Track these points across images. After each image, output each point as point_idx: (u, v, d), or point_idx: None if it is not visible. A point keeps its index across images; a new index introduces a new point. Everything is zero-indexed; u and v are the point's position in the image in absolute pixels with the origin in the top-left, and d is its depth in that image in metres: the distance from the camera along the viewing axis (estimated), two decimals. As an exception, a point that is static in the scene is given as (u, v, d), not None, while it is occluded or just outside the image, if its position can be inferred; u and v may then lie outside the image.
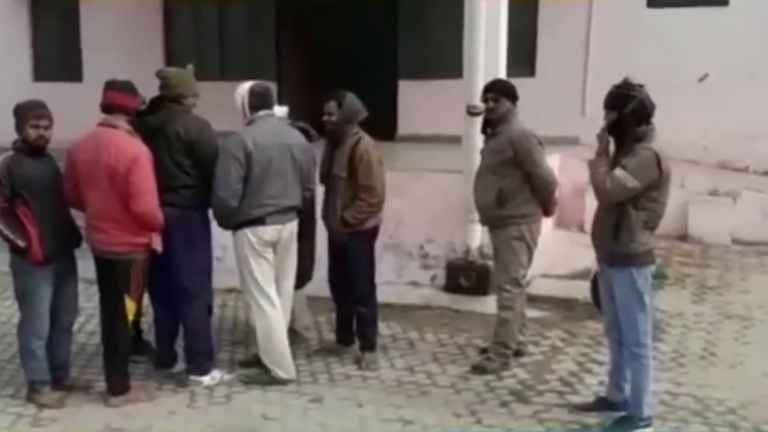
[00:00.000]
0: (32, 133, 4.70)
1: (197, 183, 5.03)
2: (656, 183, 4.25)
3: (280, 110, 5.37)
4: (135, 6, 12.16)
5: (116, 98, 4.77)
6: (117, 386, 4.89)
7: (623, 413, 4.53)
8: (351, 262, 5.36)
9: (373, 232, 5.43)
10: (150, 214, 4.67)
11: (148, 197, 4.64)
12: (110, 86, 4.81)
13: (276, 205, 5.01)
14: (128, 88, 4.84)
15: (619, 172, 4.18)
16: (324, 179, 5.41)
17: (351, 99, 5.26)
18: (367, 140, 5.28)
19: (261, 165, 4.90)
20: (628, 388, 4.54)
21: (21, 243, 4.68)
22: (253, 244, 4.98)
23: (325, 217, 5.39)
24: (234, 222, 4.97)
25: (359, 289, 5.42)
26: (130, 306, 4.82)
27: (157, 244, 4.79)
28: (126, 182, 4.59)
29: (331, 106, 5.23)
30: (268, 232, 5.01)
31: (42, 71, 13.03)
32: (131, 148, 4.67)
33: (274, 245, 5.08)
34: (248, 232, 4.97)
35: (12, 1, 13.06)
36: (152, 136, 4.92)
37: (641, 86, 4.28)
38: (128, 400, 4.88)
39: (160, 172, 4.83)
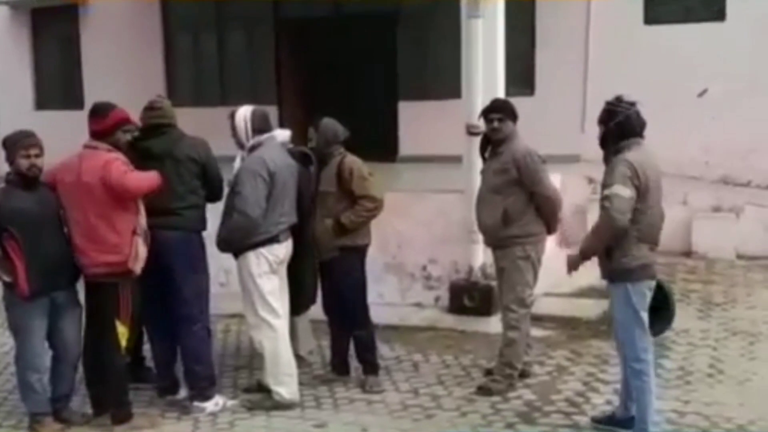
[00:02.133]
0: (24, 163, 4.66)
1: (201, 204, 5.13)
2: (637, 194, 4.25)
3: (283, 134, 5.43)
4: (136, 34, 12.28)
5: (88, 125, 4.83)
6: (119, 414, 4.86)
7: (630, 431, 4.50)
8: (342, 282, 5.33)
9: (363, 251, 5.41)
10: (128, 183, 4.64)
11: (122, 170, 4.61)
12: None
13: (286, 222, 5.11)
14: (93, 111, 4.84)
15: (608, 191, 4.19)
16: (312, 200, 5.41)
17: (326, 122, 5.36)
18: (352, 157, 5.34)
19: (278, 184, 5.00)
20: (633, 408, 4.51)
21: (6, 278, 4.65)
22: (271, 262, 5.02)
23: (314, 237, 5.33)
24: (248, 243, 4.97)
25: (353, 310, 5.39)
26: (122, 330, 4.80)
27: (137, 266, 4.73)
28: (104, 187, 4.59)
29: (310, 131, 5.39)
30: (282, 249, 5.08)
31: (43, 100, 13.14)
32: (100, 158, 4.67)
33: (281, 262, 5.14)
34: (264, 252, 4.99)
35: (13, 30, 13.18)
36: (158, 160, 4.94)
37: (633, 103, 4.36)
38: (131, 428, 4.84)
39: (166, 196, 4.88)
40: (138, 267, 4.72)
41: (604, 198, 4.22)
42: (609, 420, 4.69)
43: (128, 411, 4.90)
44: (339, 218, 5.19)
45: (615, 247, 4.27)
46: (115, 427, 4.84)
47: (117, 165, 4.65)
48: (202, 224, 5.17)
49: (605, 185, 4.25)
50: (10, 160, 4.71)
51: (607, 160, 4.37)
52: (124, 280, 4.75)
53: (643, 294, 4.33)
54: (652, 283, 4.40)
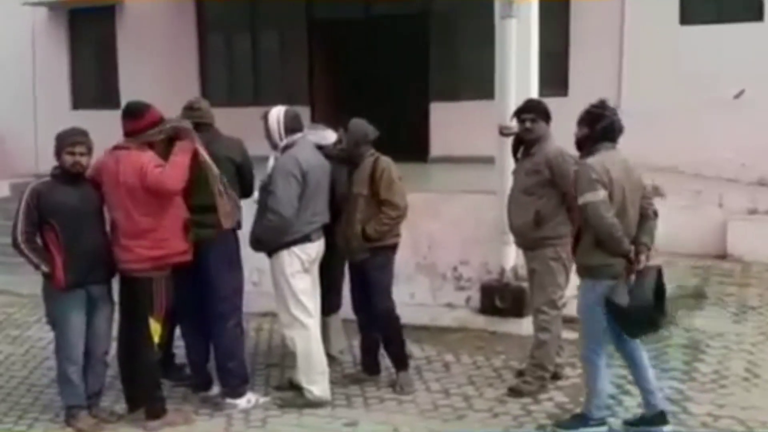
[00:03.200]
0: (68, 159, 4.78)
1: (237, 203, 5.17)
2: None
3: (332, 135, 5.49)
4: (171, 35, 12.42)
5: (122, 125, 4.92)
6: (153, 410, 4.92)
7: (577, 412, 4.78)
8: (371, 277, 5.33)
9: (393, 249, 5.42)
10: (176, 182, 4.74)
11: (164, 175, 4.70)
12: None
13: (318, 221, 5.16)
14: (128, 112, 4.92)
15: (581, 200, 4.38)
16: (343, 201, 5.43)
17: (356, 123, 5.37)
18: (385, 159, 5.35)
19: (311, 184, 5.04)
20: (654, 399, 4.63)
21: (44, 268, 4.75)
22: (303, 261, 5.07)
23: (344, 239, 5.34)
24: (281, 242, 5.02)
25: (380, 304, 5.36)
26: (154, 327, 4.88)
27: (227, 221, 4.95)
28: (144, 190, 4.68)
29: (340, 132, 5.42)
30: (314, 248, 5.13)
31: (80, 99, 13.32)
32: (137, 160, 4.75)
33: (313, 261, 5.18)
34: (297, 251, 5.04)
35: (51, 31, 13.39)
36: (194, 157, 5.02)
37: (615, 109, 4.56)
38: (165, 424, 4.90)
39: (203, 193, 4.93)
40: (229, 222, 4.94)
41: (583, 209, 4.39)
42: (641, 421, 4.68)
43: (162, 406, 4.96)
44: (365, 228, 5.20)
45: (579, 244, 4.52)
46: (149, 423, 4.90)
47: (151, 168, 4.71)
48: (237, 223, 5.22)
49: (576, 193, 4.45)
50: (57, 154, 4.83)
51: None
52: (160, 276, 4.82)
53: (603, 292, 4.43)
54: (613, 283, 4.45)
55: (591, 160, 4.41)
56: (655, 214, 4.62)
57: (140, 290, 4.82)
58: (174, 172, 4.75)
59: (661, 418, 4.59)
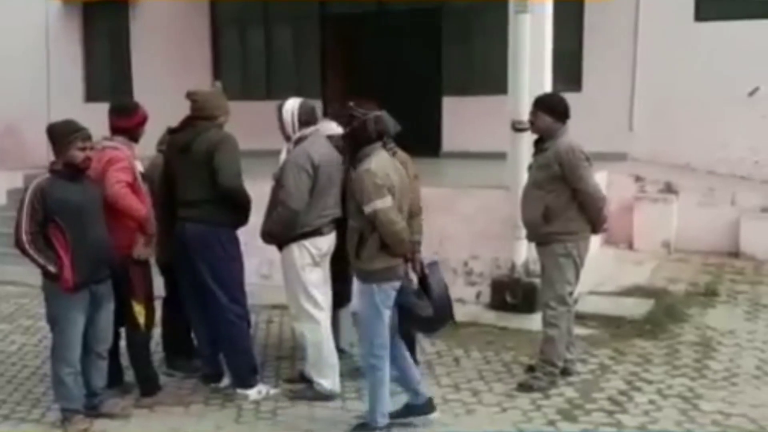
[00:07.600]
0: (79, 155, 4.63)
1: (218, 199, 5.08)
2: None
3: (339, 129, 5.47)
4: (184, 29, 12.47)
5: (110, 121, 5.12)
6: (146, 388, 5.17)
7: (361, 421, 4.69)
8: None
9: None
10: (119, 201, 4.86)
11: (116, 187, 4.85)
12: (109, 110, 5.19)
13: (330, 215, 5.14)
14: (119, 109, 5.16)
15: (370, 209, 4.34)
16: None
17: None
18: (402, 154, 5.29)
19: (322, 178, 5.03)
20: (423, 388, 4.76)
21: (52, 269, 4.60)
22: (314, 255, 5.07)
23: None
24: (292, 235, 5.02)
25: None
26: (138, 309, 5.01)
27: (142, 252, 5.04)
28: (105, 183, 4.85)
29: None
30: (325, 241, 5.12)
31: (93, 92, 13.38)
32: (107, 155, 4.93)
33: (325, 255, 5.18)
34: (307, 244, 5.04)
35: (65, 24, 13.46)
36: (180, 153, 5.09)
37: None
38: (157, 402, 5.10)
39: (185, 188, 5.06)
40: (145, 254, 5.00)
41: (372, 217, 4.35)
42: (410, 410, 4.76)
43: (155, 384, 5.18)
44: None
45: (363, 250, 4.43)
46: (143, 399, 5.11)
47: (115, 169, 4.88)
48: (226, 218, 5.13)
49: (364, 201, 4.37)
50: (62, 150, 4.65)
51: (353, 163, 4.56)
52: (132, 259, 4.99)
53: (387, 294, 4.47)
54: (397, 284, 4.51)
55: (372, 167, 4.39)
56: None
57: (117, 276, 4.92)
58: (131, 202, 4.92)
59: (430, 404, 4.73)
